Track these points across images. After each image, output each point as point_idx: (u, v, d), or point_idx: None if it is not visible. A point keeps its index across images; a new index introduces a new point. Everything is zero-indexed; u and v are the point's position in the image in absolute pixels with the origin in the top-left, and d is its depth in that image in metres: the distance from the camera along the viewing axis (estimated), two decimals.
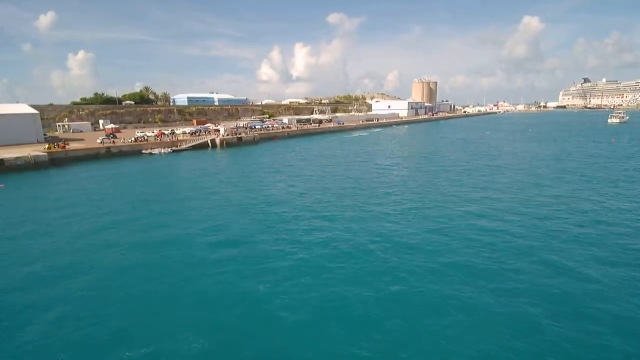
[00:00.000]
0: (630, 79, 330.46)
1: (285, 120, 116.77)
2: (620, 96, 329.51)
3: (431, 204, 28.14)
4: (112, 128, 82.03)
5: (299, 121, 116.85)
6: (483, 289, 15.32)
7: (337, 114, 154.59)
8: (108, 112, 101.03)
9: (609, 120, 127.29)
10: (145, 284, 16.35)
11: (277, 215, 26.06)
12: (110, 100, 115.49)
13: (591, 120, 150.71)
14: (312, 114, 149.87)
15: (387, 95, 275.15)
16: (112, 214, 27.12)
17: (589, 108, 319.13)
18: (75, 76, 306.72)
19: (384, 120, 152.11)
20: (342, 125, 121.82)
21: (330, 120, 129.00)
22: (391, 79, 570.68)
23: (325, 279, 16.53)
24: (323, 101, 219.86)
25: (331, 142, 79.77)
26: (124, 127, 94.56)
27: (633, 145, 64.29)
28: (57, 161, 50.20)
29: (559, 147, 63.51)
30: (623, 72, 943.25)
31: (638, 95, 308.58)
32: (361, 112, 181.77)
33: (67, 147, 55.00)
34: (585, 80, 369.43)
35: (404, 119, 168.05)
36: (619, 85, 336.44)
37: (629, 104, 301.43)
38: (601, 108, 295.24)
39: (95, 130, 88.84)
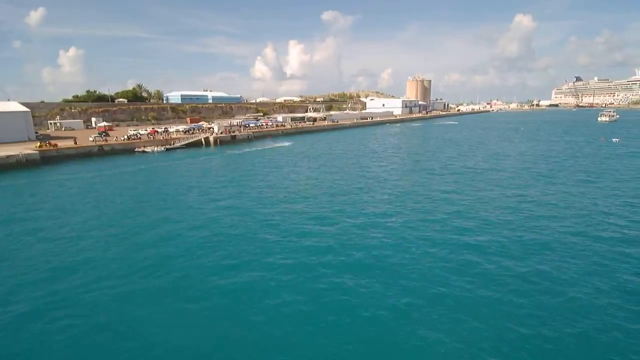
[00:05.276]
0: (620, 77, 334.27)
1: (279, 118, 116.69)
2: (612, 95, 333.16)
3: (423, 205, 28.58)
4: (104, 126, 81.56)
5: (293, 119, 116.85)
6: (473, 287, 15.75)
7: (332, 112, 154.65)
8: (100, 110, 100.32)
9: (599, 119, 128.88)
10: (137, 282, 16.56)
11: (269, 213, 26.32)
12: (102, 98, 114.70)
13: (582, 119, 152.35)
14: (306, 112, 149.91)
15: (381, 94, 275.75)
16: (104, 213, 27.20)
17: (581, 106, 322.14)
18: (67, 73, 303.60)
19: (379, 119, 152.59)
20: (336, 123, 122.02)
21: (324, 119, 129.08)
22: (385, 77, 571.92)
23: (324, 279, 16.84)
24: (317, 99, 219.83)
25: (324, 141, 80.00)
26: (117, 125, 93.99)
27: (620, 145, 65.36)
28: (49, 159, 49.94)
29: (548, 147, 64.42)
30: (614, 70, 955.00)
31: (629, 94, 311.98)
32: (356, 110, 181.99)
33: (57, 146, 54.65)
34: (577, 78, 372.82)
35: (398, 118, 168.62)
36: (610, 84, 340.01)
37: (620, 103, 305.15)
38: (593, 106, 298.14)
39: (87, 128, 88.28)
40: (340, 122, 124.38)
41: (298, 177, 39.98)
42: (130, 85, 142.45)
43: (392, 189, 33.31)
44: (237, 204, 28.67)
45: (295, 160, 51.79)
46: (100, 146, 58.29)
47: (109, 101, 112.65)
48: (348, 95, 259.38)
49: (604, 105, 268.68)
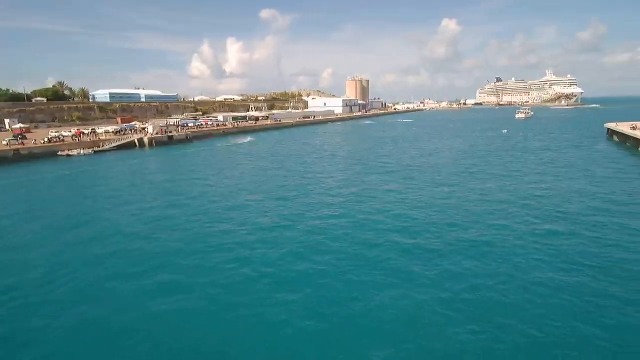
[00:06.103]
0: (534, 78, 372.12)
1: (220, 117, 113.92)
2: (527, 94, 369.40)
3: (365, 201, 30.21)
4: (20, 128, 73.80)
5: (234, 119, 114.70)
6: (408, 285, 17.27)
7: (274, 112, 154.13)
8: (16, 110, 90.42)
9: (516, 116, 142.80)
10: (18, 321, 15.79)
11: (204, 222, 26.13)
12: (17, 97, 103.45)
13: (502, 116, 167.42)
14: (248, 111, 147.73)
15: (322, 93, 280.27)
16: (18, 224, 25.15)
17: (502, 105, 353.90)
18: None
19: (321, 118, 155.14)
20: (279, 122, 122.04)
21: (267, 118, 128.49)
22: (326, 76, 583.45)
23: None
24: (259, 98, 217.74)
25: (267, 140, 79.96)
26: (36, 127, 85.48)
27: (529, 138, 73.72)
28: None
29: (472, 142, 70.70)
30: (529, 71, 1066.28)
31: (541, 93, 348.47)
32: (298, 109, 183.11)
33: None
34: (498, 79, 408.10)
35: (339, 116, 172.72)
36: (525, 84, 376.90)
37: (534, 101, 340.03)
38: (511, 105, 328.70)
39: (0, 130, 79.12)
40: (283, 121, 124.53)
41: (240, 179, 39.88)
42: (50, 84, 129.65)
43: (329, 190, 34.60)
44: (171, 213, 27.35)
45: (238, 160, 51.39)
46: (17, 150, 52.87)
47: (25, 100, 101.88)
48: (290, 94, 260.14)
49: (520, 104, 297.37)
